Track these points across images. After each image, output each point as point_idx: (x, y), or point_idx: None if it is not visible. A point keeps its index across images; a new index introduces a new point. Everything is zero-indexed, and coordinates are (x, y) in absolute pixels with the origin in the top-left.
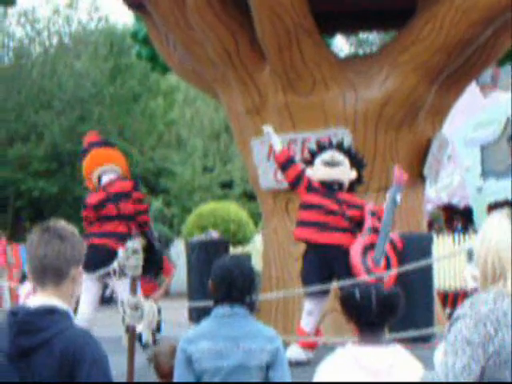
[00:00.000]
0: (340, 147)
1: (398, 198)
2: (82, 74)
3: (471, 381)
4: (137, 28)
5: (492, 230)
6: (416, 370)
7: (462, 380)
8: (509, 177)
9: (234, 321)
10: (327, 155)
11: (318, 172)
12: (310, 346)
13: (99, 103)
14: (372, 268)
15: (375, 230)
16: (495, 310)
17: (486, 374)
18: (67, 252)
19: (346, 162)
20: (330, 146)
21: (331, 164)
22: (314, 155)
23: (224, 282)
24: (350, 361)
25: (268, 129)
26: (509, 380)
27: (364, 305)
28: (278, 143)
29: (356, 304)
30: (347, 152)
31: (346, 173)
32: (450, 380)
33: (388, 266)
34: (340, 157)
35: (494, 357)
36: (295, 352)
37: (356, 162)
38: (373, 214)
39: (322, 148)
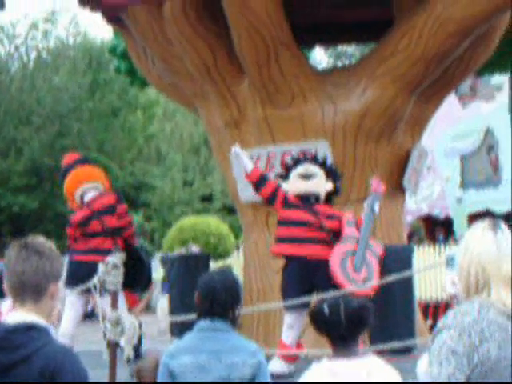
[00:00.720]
0: (314, 160)
1: (376, 206)
2: (60, 88)
3: None
4: (115, 42)
5: (475, 240)
6: (393, 378)
7: None
8: (488, 187)
9: (216, 335)
10: (302, 168)
11: (293, 185)
12: (291, 359)
13: (78, 118)
14: (352, 275)
15: (354, 238)
16: (479, 320)
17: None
18: (46, 268)
19: (321, 173)
20: (305, 159)
21: (306, 176)
22: (289, 169)
23: (207, 297)
24: (327, 375)
25: (236, 149)
26: None
27: (333, 320)
28: (248, 163)
29: (325, 319)
30: (322, 164)
31: (321, 185)
32: None
33: (370, 274)
34: (315, 169)
35: (478, 367)
36: (277, 365)
37: (331, 174)
38: (351, 223)
39: (296, 162)
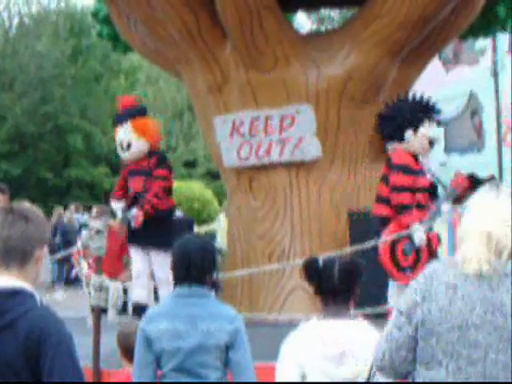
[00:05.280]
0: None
1: (445, 206)
2: (43, 54)
3: (392, 347)
4: (97, 7)
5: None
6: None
7: (385, 346)
8: (472, 152)
9: (193, 301)
10: (432, 131)
11: (420, 145)
12: None
13: (61, 84)
14: (401, 262)
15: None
16: (428, 279)
17: (419, 346)
18: (32, 233)
19: None
20: (432, 117)
21: (432, 143)
22: (418, 118)
23: (183, 262)
24: (313, 335)
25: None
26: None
27: (326, 271)
28: None
29: (318, 270)
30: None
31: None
32: (378, 348)
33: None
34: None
35: (419, 327)
36: None
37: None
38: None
39: (428, 113)
